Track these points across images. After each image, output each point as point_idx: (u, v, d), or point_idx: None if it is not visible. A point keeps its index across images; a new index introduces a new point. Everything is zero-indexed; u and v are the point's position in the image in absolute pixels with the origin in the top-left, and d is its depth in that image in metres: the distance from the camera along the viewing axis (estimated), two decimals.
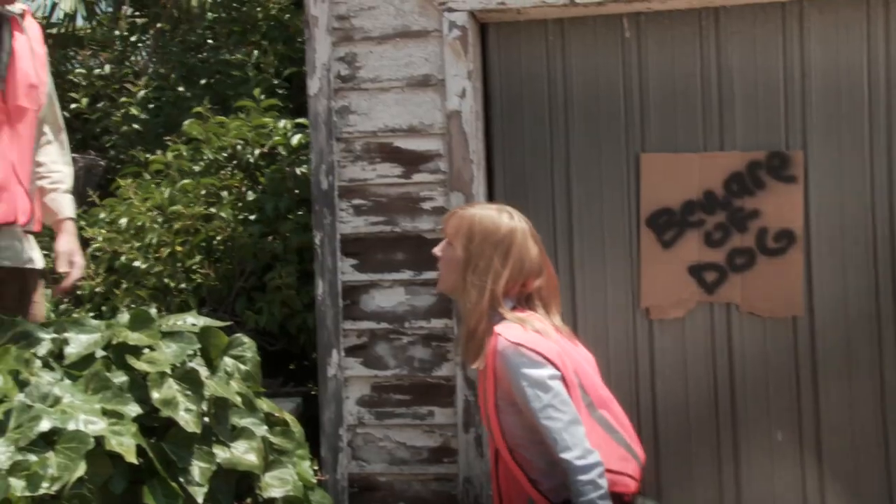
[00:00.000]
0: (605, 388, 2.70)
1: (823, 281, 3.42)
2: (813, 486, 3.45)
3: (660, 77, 3.50)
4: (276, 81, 4.90)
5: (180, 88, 5.40)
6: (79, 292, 4.16)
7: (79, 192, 5.01)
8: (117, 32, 6.18)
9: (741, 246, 3.46)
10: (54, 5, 6.42)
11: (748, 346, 3.48)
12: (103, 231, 4.23)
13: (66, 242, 3.00)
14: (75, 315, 3.96)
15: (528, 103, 3.59)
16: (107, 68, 5.90)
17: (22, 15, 2.88)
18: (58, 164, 3.05)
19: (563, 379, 2.53)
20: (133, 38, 6.08)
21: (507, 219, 2.69)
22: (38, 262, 2.96)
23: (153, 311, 2.17)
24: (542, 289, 2.69)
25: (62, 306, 4.16)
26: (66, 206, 3.05)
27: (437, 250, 2.76)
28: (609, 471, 2.52)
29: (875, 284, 3.40)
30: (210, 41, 5.64)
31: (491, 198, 3.61)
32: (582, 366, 2.66)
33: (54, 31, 6.28)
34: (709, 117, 3.48)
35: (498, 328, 2.58)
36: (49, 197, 2.99)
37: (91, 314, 4.02)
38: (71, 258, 2.99)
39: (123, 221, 4.21)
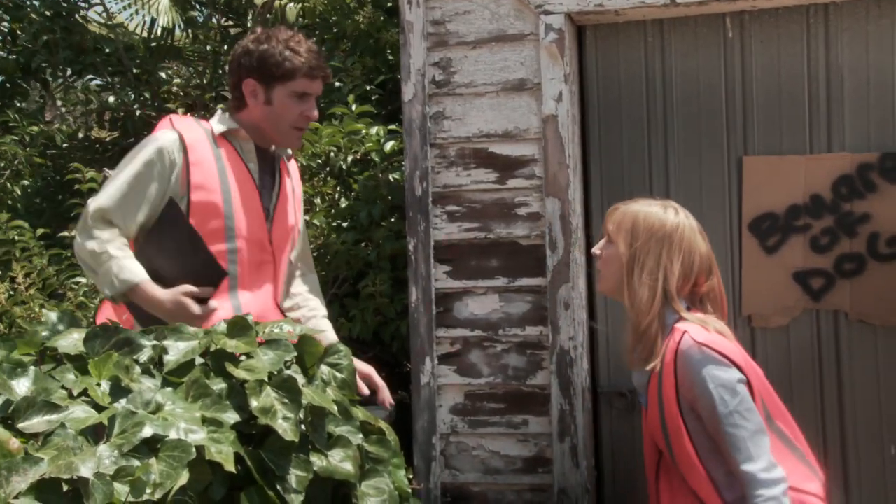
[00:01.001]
0: (778, 398, 2.54)
1: None
2: None
3: (764, 77, 3.38)
4: (368, 88, 4.90)
5: None
6: None
7: None
8: (209, 47, 6.27)
9: (850, 251, 3.32)
10: (153, 20, 6.56)
11: (857, 355, 3.33)
12: None
13: (360, 365, 2.96)
14: None
15: (626, 106, 3.51)
16: (201, 78, 6.00)
17: (289, 157, 3.03)
18: (313, 293, 3.15)
19: (749, 385, 2.39)
20: (226, 47, 6.15)
21: (672, 214, 2.55)
22: None
23: (250, 318, 2.17)
24: (712, 290, 2.55)
25: None
26: (330, 331, 3.12)
27: (596, 249, 2.65)
28: (794, 489, 2.36)
29: None
30: None
31: (587, 203, 3.54)
32: (760, 373, 2.51)
33: (154, 45, 6.41)
34: (816, 118, 3.35)
35: (681, 326, 2.45)
36: (311, 323, 3.07)
37: None
38: (370, 378, 2.97)
39: None
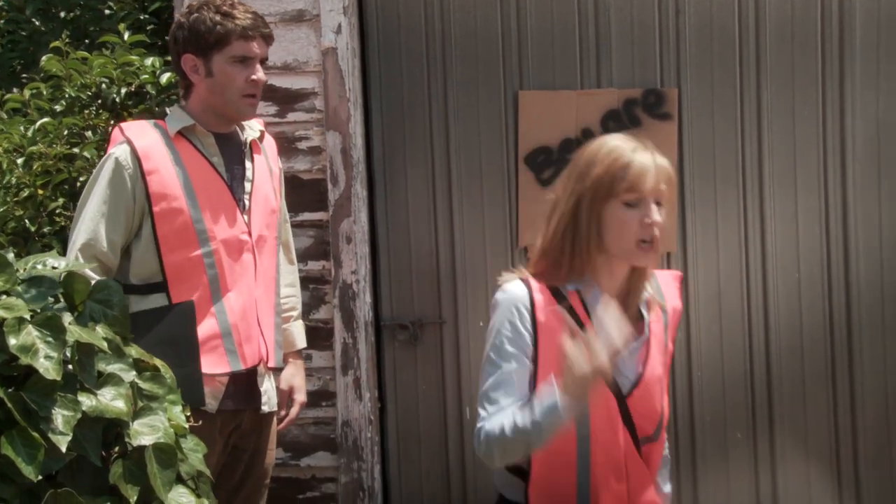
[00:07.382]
0: None
1: (696, 217, 3.49)
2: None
3: (537, 14, 3.47)
4: (142, 17, 4.67)
5: (37, 22, 5.10)
6: None
7: None
8: None
9: None
10: None
11: None
12: None
13: (291, 377, 2.90)
14: None
15: (406, 40, 3.52)
16: None
17: (261, 136, 2.80)
18: (290, 287, 2.97)
19: None
20: None
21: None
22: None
23: (11, 255, 2.05)
24: None
25: None
26: (298, 336, 2.96)
27: (657, 216, 2.12)
28: None
29: (744, 220, 3.48)
30: None
31: (368, 137, 3.54)
32: None
33: None
34: (586, 55, 3.48)
35: (672, 272, 2.31)
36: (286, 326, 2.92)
37: None
38: (292, 396, 2.90)
39: None
